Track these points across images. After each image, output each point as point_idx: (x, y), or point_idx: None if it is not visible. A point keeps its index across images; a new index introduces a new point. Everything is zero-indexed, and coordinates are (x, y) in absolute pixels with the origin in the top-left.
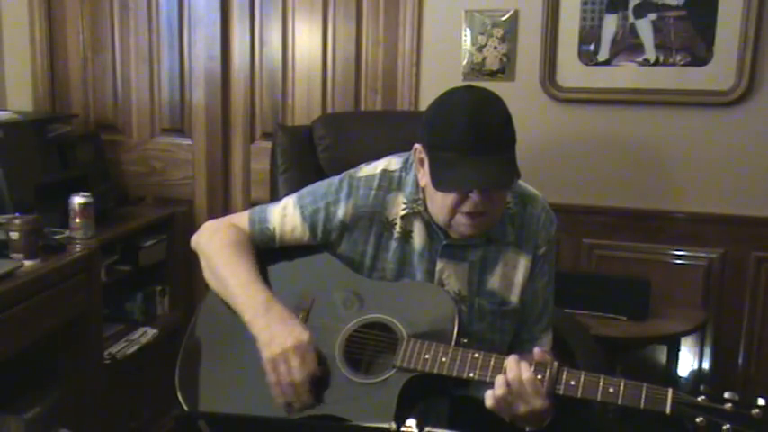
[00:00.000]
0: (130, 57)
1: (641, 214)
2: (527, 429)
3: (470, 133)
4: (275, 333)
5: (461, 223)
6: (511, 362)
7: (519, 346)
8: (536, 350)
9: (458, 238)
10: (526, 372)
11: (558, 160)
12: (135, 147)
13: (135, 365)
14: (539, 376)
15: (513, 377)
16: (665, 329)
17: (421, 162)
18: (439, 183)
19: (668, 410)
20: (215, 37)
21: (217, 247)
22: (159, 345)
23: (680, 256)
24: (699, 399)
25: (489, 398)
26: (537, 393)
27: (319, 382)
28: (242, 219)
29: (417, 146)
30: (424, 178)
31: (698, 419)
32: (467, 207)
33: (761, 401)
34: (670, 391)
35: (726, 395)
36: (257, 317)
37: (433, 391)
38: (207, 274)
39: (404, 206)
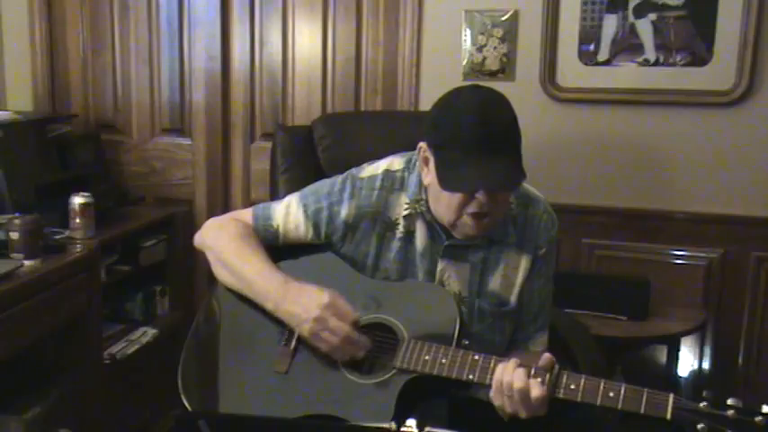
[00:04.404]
0: (130, 57)
1: (641, 214)
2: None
3: (478, 133)
4: (299, 312)
5: (466, 224)
6: (509, 367)
7: (513, 345)
8: (546, 355)
9: (461, 238)
10: (518, 380)
11: (558, 160)
12: (135, 147)
13: (135, 365)
14: (538, 379)
15: (507, 383)
16: (665, 329)
17: (425, 161)
18: (446, 183)
19: (669, 416)
20: (215, 37)
21: (225, 240)
22: (159, 345)
23: (680, 256)
24: (701, 405)
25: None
26: (533, 400)
27: (324, 378)
28: (245, 215)
29: (422, 144)
30: (429, 177)
31: (699, 426)
32: (472, 207)
33: (765, 409)
34: (671, 396)
35: (729, 402)
36: (279, 302)
37: (433, 392)
38: (218, 269)
39: (406, 206)
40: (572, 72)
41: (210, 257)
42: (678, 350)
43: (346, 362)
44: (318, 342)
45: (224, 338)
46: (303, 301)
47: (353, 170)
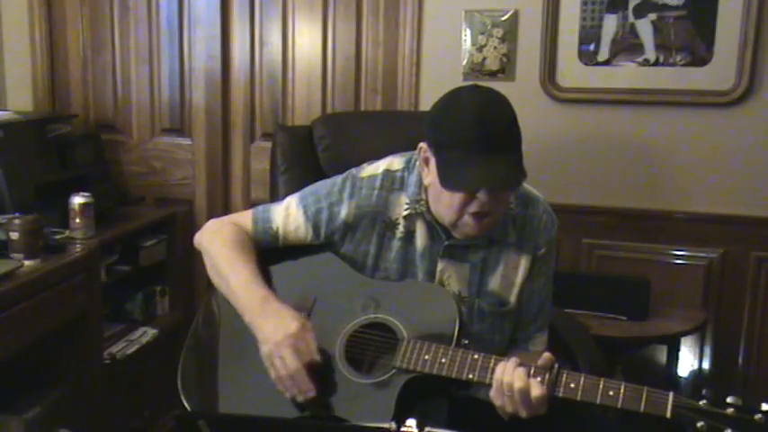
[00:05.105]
0: (130, 57)
1: (641, 214)
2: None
3: (479, 133)
4: (268, 330)
5: (467, 223)
6: (509, 366)
7: (513, 344)
8: (545, 354)
9: (461, 237)
10: (518, 380)
11: (558, 160)
12: (135, 147)
13: (135, 365)
14: (538, 379)
15: (507, 383)
16: (665, 329)
17: (426, 161)
18: (447, 182)
19: (668, 414)
20: (215, 37)
21: (219, 245)
22: (159, 345)
23: (680, 256)
24: (700, 403)
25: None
26: (533, 399)
27: (320, 375)
28: (245, 218)
29: (422, 144)
30: (429, 177)
31: (699, 424)
32: (474, 207)
33: (764, 407)
34: (671, 395)
35: (728, 400)
36: (255, 317)
37: (433, 391)
38: (210, 273)
39: (406, 206)
40: (572, 72)
41: (206, 260)
42: (678, 350)
43: (346, 359)
44: (269, 367)
45: (224, 338)
46: (273, 322)
47: (353, 170)
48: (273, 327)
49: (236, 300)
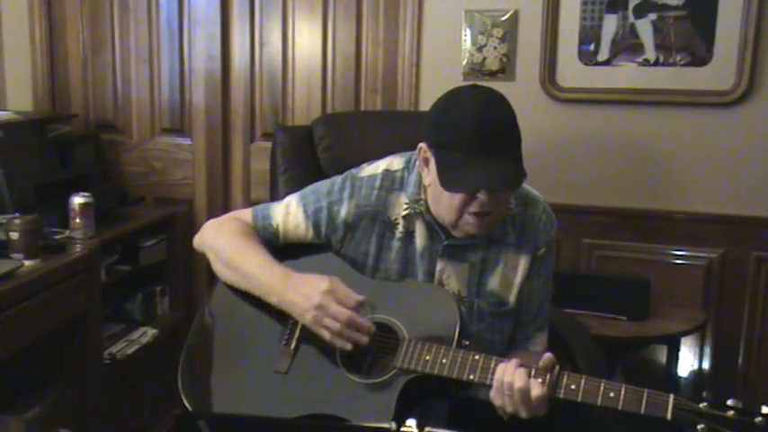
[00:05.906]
0: (130, 57)
1: (641, 214)
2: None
3: (479, 133)
4: (300, 301)
5: (468, 223)
6: (510, 366)
7: (512, 345)
8: (547, 355)
9: (461, 237)
10: (519, 380)
11: (558, 160)
12: (135, 147)
13: (135, 365)
14: (539, 379)
15: (508, 383)
16: (665, 329)
17: (426, 161)
18: (448, 183)
19: (669, 416)
20: (215, 37)
21: (225, 238)
22: (159, 345)
23: (680, 256)
24: (700, 405)
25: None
26: (533, 400)
27: (320, 374)
28: (245, 215)
29: (422, 144)
30: (429, 177)
31: (699, 426)
32: (474, 207)
33: (765, 409)
34: (671, 397)
35: (729, 402)
36: (283, 294)
37: (434, 392)
38: (219, 267)
39: (405, 206)
40: (572, 72)
41: (211, 257)
42: (678, 350)
43: (347, 359)
44: (321, 330)
45: (224, 338)
46: (304, 290)
47: (353, 170)
48: (305, 294)
49: (256, 285)
